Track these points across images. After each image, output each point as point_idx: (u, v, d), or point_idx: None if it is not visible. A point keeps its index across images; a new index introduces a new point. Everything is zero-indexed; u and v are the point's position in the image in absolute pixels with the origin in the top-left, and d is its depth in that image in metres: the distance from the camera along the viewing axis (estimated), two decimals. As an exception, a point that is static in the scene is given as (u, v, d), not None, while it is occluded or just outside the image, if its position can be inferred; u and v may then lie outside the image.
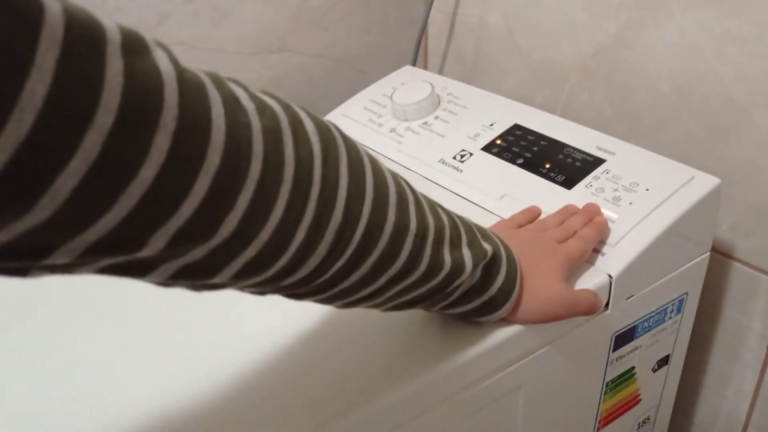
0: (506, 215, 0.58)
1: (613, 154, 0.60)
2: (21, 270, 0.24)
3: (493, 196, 0.60)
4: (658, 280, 0.56)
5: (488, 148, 0.65)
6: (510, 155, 0.63)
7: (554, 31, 0.77)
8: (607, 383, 0.57)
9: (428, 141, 0.68)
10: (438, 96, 0.73)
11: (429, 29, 0.94)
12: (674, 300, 0.59)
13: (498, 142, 0.65)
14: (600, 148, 0.61)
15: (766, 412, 0.70)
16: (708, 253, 0.60)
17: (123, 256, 0.25)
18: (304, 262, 0.31)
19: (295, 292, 0.34)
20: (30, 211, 0.21)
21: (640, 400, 0.63)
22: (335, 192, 0.31)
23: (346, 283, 0.34)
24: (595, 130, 0.64)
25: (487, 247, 0.41)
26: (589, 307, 0.47)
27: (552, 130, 0.64)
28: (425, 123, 0.71)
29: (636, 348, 0.58)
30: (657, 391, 0.65)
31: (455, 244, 0.39)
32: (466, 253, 0.39)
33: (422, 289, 0.38)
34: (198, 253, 0.27)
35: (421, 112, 0.71)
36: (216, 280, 0.29)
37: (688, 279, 0.59)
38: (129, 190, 0.23)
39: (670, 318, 0.60)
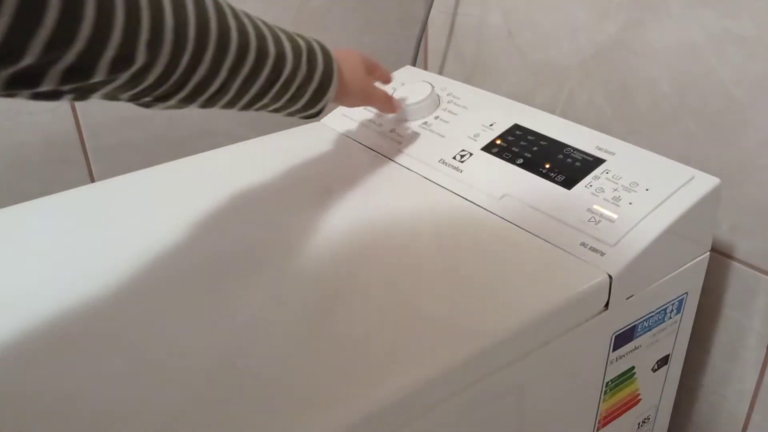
0: (506, 215, 0.58)
1: (613, 154, 0.60)
2: None
3: (493, 196, 0.60)
4: (658, 280, 0.56)
5: (488, 148, 0.65)
6: (510, 155, 0.63)
7: (554, 31, 0.77)
8: (607, 383, 0.57)
9: (428, 141, 0.68)
10: (438, 96, 0.73)
11: (429, 29, 0.94)
12: (674, 300, 0.59)
13: (498, 142, 0.65)
14: (600, 148, 0.61)
15: (766, 412, 0.70)
16: (708, 253, 0.60)
17: (11, 66, 0.33)
18: (155, 58, 0.39)
19: (158, 94, 0.42)
20: None
21: (640, 400, 0.64)
22: (159, 1, 0.39)
23: (196, 78, 0.43)
24: (595, 130, 0.64)
25: (302, 42, 0.52)
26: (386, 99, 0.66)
27: (552, 130, 0.64)
28: (425, 123, 0.71)
29: (636, 348, 0.58)
30: (657, 391, 0.65)
31: (277, 41, 0.49)
32: (286, 45, 0.50)
33: (261, 80, 0.48)
34: (69, 57, 0.35)
35: (421, 112, 0.71)
36: (95, 79, 0.37)
37: (688, 279, 0.59)
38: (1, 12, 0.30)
39: (670, 318, 0.60)
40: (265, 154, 0.71)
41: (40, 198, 0.64)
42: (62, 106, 0.72)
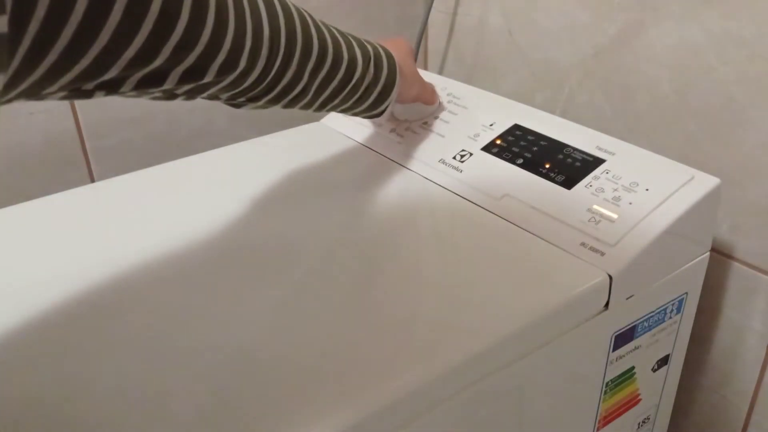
0: (506, 215, 0.58)
1: (613, 154, 0.60)
2: (89, 92, 0.37)
3: (493, 196, 0.60)
4: (658, 280, 0.56)
5: (488, 148, 0.65)
6: (510, 155, 0.63)
7: (554, 31, 0.77)
8: (607, 383, 0.57)
9: (428, 141, 0.68)
10: (438, 96, 0.73)
11: (429, 29, 0.94)
12: (674, 300, 0.59)
13: (498, 142, 0.65)
14: (600, 148, 0.61)
15: (766, 412, 0.70)
16: (708, 253, 0.60)
17: (145, 68, 0.38)
18: (255, 63, 0.45)
19: (251, 95, 0.48)
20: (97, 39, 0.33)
21: (640, 399, 0.64)
22: (259, 13, 0.45)
23: (284, 81, 0.49)
24: (595, 130, 0.64)
25: (370, 48, 0.57)
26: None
27: (552, 130, 0.64)
28: (425, 123, 0.71)
29: (636, 348, 0.58)
30: (657, 391, 0.66)
31: (349, 47, 0.54)
32: (357, 51, 0.55)
33: (335, 82, 0.53)
34: (190, 59, 0.40)
35: (421, 112, 0.71)
36: (205, 80, 0.42)
37: (687, 279, 0.59)
38: (147, 19, 0.35)
39: (670, 318, 0.60)
40: (265, 154, 0.71)
41: (40, 198, 0.64)
42: (62, 106, 0.72)
